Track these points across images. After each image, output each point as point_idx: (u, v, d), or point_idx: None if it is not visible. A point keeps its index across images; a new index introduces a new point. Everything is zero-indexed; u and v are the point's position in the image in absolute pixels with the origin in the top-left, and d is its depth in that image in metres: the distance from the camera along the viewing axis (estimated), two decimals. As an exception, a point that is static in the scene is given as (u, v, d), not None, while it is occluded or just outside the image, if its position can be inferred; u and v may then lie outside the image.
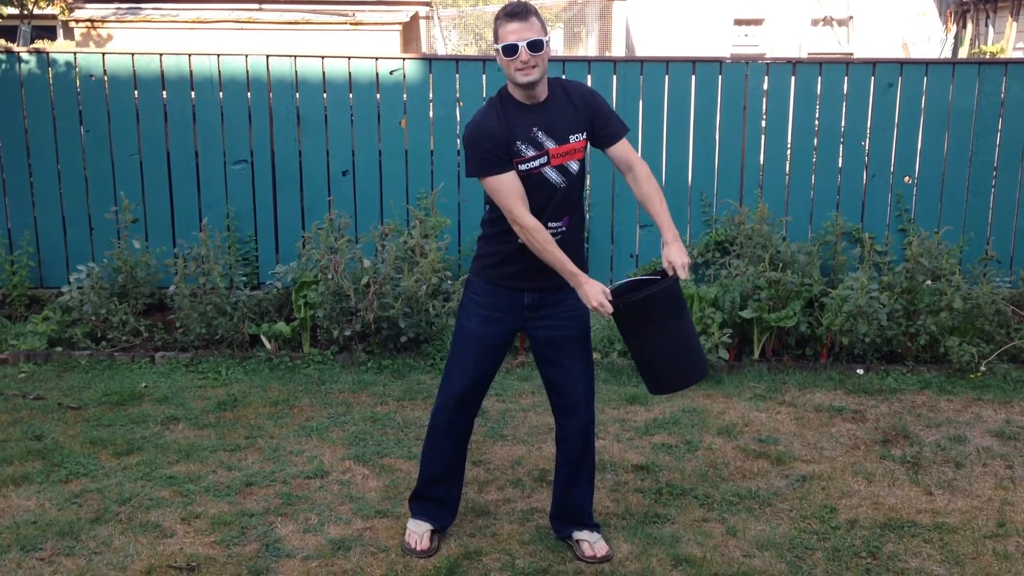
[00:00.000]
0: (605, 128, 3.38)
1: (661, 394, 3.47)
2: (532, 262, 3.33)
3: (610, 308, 3.19)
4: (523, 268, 3.39)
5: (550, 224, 3.34)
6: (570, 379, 3.50)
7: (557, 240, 3.34)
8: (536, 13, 3.21)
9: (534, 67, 3.18)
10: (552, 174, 3.31)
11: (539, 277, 3.38)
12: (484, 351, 3.49)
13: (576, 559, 3.52)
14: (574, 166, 3.35)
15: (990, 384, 5.57)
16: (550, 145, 3.28)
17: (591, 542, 3.56)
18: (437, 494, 3.65)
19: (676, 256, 3.26)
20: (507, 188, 3.24)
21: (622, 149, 3.41)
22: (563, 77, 3.46)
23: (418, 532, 3.61)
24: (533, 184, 3.29)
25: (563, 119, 3.31)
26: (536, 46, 3.15)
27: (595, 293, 3.21)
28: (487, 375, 3.55)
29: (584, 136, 3.35)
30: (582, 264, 3.49)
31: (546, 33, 3.22)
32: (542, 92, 3.30)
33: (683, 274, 3.26)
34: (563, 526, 3.65)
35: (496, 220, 3.39)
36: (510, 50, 3.15)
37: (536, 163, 3.27)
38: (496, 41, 3.22)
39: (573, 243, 3.44)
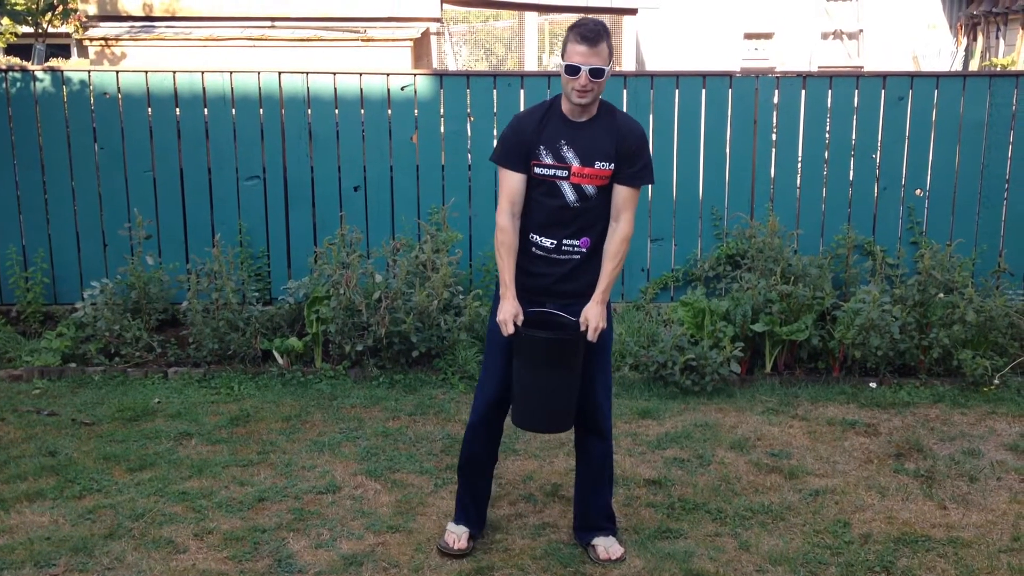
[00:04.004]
0: (629, 168, 3.44)
1: (518, 427, 3.57)
2: (544, 270, 3.44)
3: (511, 329, 3.36)
4: (536, 279, 3.47)
5: (566, 242, 3.43)
6: (588, 387, 3.55)
7: (575, 261, 3.44)
8: (608, 39, 3.30)
9: (589, 91, 3.31)
10: (567, 190, 3.39)
11: (550, 291, 3.44)
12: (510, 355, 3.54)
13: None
14: (590, 189, 3.41)
15: (1004, 397, 5.54)
16: (574, 163, 3.38)
17: (606, 546, 3.66)
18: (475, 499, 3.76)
19: (593, 317, 3.41)
20: (507, 184, 3.43)
21: (625, 194, 3.46)
22: (622, 110, 3.58)
23: (457, 532, 3.71)
24: (546, 191, 3.40)
25: (597, 143, 3.39)
26: (597, 74, 3.28)
27: (507, 310, 3.38)
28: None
29: (612, 167, 3.41)
30: (593, 288, 3.52)
31: (611, 59, 3.32)
32: (589, 112, 3.42)
33: (591, 336, 3.41)
34: (583, 534, 3.74)
35: None
36: (572, 70, 3.28)
37: (551, 172, 3.38)
38: (563, 55, 3.34)
39: (592, 267, 3.49)
